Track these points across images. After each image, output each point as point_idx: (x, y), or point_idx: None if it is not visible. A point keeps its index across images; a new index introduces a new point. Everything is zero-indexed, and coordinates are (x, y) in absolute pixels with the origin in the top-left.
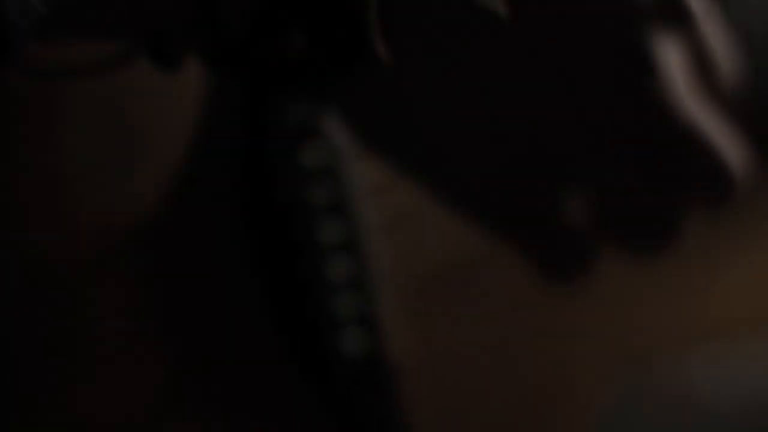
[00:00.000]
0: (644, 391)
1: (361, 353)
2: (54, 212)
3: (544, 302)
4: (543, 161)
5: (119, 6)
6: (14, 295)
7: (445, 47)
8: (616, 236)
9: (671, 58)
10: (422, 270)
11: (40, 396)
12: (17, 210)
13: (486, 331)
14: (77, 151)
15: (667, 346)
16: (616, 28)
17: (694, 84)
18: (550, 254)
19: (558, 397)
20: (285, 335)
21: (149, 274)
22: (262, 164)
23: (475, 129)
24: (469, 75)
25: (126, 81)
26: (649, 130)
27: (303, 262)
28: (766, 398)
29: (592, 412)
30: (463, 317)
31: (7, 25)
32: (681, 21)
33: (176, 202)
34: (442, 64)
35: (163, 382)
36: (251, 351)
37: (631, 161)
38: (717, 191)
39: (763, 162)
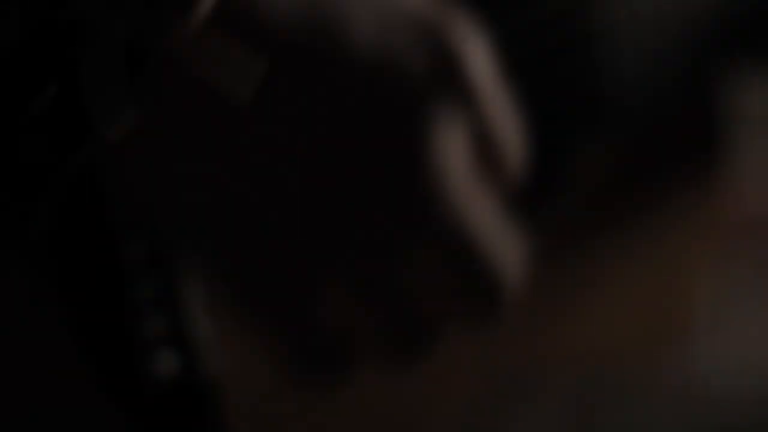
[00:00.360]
0: (645, 382)
1: (175, 374)
2: None
3: None
4: (302, 252)
5: None
6: None
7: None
8: (376, 336)
9: (449, 144)
10: None
11: None
12: None
13: None
14: None
15: (541, 368)
16: (385, 112)
17: (475, 172)
18: (301, 348)
19: (391, 416)
20: (94, 358)
21: None
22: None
23: (231, 211)
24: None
25: None
26: (416, 227)
27: (111, 280)
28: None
29: None
30: None
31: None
32: (462, 98)
33: None
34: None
35: None
36: (58, 375)
37: (400, 262)
38: (483, 302)
39: (638, 183)
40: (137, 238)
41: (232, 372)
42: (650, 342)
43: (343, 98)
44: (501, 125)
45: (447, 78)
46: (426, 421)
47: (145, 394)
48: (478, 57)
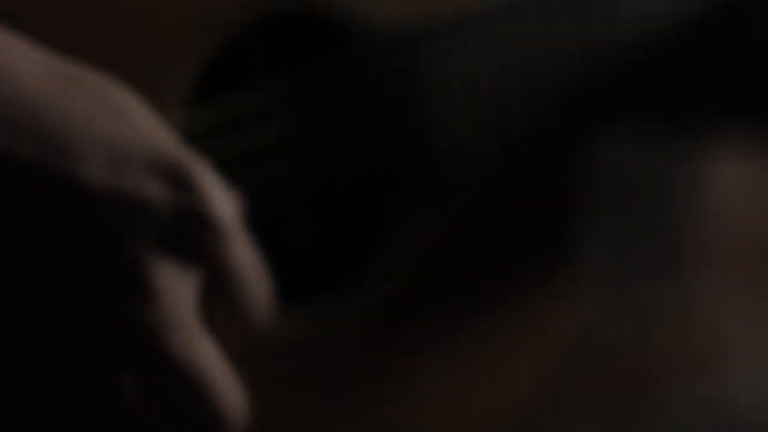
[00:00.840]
0: (687, 406)
1: None
2: None
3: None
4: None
5: None
6: None
7: None
8: None
9: (181, 284)
10: None
11: None
12: None
13: None
14: None
15: None
16: (118, 246)
17: (206, 312)
18: None
19: None
20: None
21: None
22: None
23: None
24: None
25: None
26: (141, 368)
27: None
28: None
29: None
30: None
31: None
32: (204, 237)
33: None
34: None
35: None
36: None
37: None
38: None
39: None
40: None
41: None
42: (681, 370)
43: (75, 227)
44: (244, 261)
45: (188, 212)
46: None
47: None
48: (220, 195)
